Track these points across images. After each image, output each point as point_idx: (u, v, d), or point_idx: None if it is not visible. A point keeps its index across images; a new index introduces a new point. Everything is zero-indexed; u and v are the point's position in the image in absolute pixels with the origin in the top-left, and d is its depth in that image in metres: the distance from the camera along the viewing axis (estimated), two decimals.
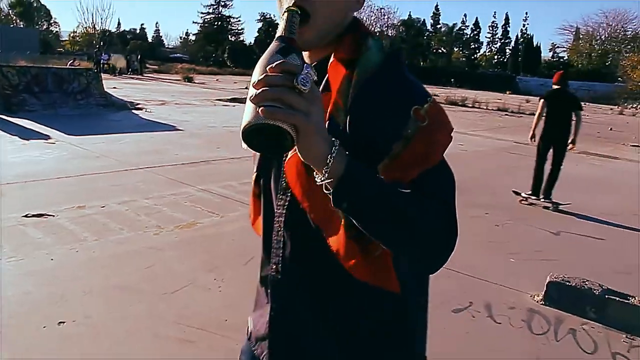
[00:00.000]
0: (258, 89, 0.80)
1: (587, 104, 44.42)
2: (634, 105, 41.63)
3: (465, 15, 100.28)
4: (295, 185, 1.07)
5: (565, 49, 75.36)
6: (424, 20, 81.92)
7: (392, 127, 1.01)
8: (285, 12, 0.97)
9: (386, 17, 75.77)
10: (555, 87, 7.72)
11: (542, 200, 7.63)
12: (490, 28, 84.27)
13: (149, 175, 7.59)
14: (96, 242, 4.86)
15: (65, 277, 4.07)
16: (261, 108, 0.78)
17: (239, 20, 79.32)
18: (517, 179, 8.69)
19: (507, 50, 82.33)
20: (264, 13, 71.88)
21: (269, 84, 0.80)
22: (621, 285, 4.38)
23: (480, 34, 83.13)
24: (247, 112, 0.80)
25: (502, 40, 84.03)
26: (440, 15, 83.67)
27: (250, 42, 73.56)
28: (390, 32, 76.02)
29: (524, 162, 11.00)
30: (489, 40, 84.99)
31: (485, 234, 6.06)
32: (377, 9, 74.29)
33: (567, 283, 4.17)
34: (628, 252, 5.88)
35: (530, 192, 7.73)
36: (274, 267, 1.19)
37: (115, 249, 4.72)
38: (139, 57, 41.80)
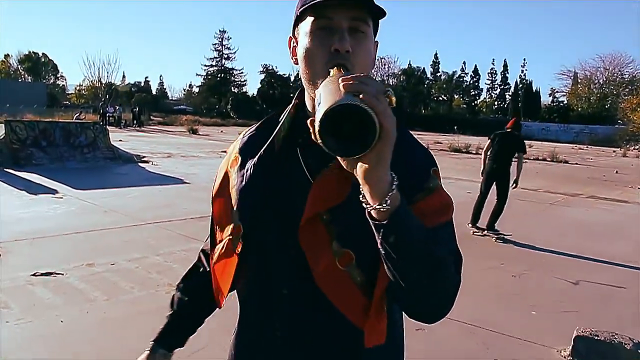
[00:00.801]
0: (352, 81, 0.81)
1: (589, 147, 44.93)
2: (637, 147, 41.67)
3: (464, 62, 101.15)
4: (309, 250, 1.08)
5: (564, 93, 76.06)
6: (424, 68, 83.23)
7: (416, 180, 1.08)
8: (333, 67, 1.03)
9: (387, 66, 77.32)
10: (507, 130, 8.52)
11: (486, 232, 8.19)
12: (490, 75, 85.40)
13: (158, 231, 7.51)
14: (107, 302, 4.74)
15: (76, 341, 3.94)
16: (355, 95, 0.78)
17: (242, 72, 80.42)
18: (526, 226, 8.56)
19: (507, 96, 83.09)
20: (266, 65, 73.15)
21: (364, 81, 0.81)
22: None
23: (480, 81, 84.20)
24: (331, 97, 0.79)
25: (502, 87, 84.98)
26: (439, 64, 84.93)
27: (253, 94, 74.56)
28: (391, 81, 76.97)
29: (533, 208, 10.93)
30: (488, 86, 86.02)
31: (503, 286, 5.92)
32: (378, 59, 74.99)
33: (596, 337, 4.01)
34: None
35: (485, 227, 8.31)
36: (273, 330, 1.18)
37: (127, 310, 4.60)
38: (137, 109, 42.32)
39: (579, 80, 75.38)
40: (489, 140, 8.51)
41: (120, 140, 20.91)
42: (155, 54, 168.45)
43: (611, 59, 73.01)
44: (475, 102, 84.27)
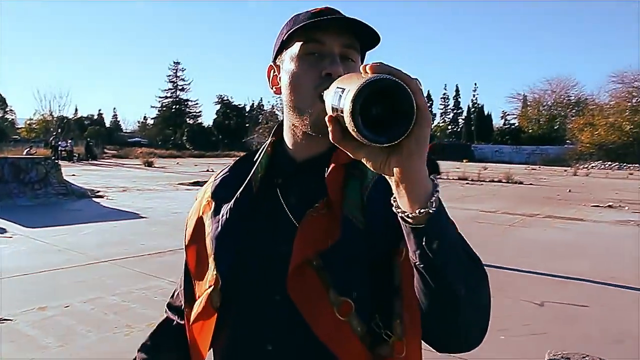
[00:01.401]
0: (378, 64, 0.71)
1: (541, 167, 46.05)
2: (586, 166, 42.97)
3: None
4: (303, 301, 0.98)
5: (515, 115, 78.12)
6: None
7: None
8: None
9: None
10: None
11: None
12: (442, 99, 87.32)
13: (114, 269, 7.21)
14: (61, 348, 4.47)
15: None
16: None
17: (197, 103, 79.39)
18: (487, 248, 8.60)
19: (460, 120, 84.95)
20: (221, 95, 73.01)
21: (390, 65, 0.72)
22: (619, 354, 4.22)
23: (433, 106, 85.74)
24: (358, 81, 0.70)
25: (455, 111, 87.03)
26: None
27: (209, 124, 74.23)
28: None
29: (493, 230, 11.03)
30: (442, 111, 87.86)
31: None
32: None
33: None
34: (614, 318, 5.76)
35: None
36: None
37: (83, 356, 4.34)
38: (91, 142, 41.60)
39: (529, 103, 77.67)
40: None
41: (74, 175, 20.38)
42: (108, 86, 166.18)
43: (557, 82, 75.64)
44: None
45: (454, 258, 0.83)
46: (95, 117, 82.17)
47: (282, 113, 1.20)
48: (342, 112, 0.71)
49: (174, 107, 76.91)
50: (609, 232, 11.82)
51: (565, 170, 38.21)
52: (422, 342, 0.97)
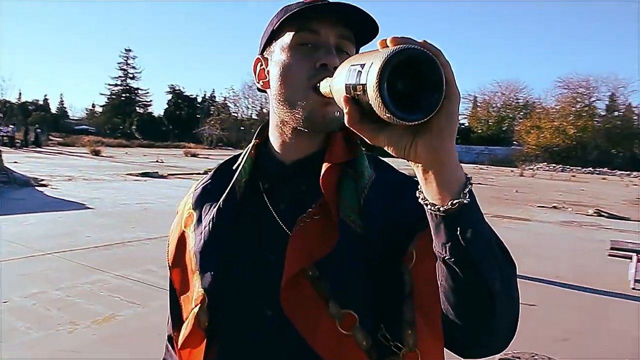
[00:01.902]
0: (399, 37, 0.65)
1: (489, 167, 47.06)
2: (532, 167, 44.16)
3: None
4: (299, 315, 0.92)
5: (465, 116, 79.39)
6: None
7: (424, 214, 0.86)
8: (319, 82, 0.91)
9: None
10: None
11: None
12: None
13: (59, 262, 6.92)
14: None
15: None
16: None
17: (148, 92, 78.08)
18: None
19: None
20: (173, 85, 71.93)
21: (412, 39, 0.66)
22: (565, 353, 4.31)
23: None
24: (382, 53, 0.63)
25: None
26: None
27: (160, 114, 72.92)
28: None
29: None
30: None
31: None
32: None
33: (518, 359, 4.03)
34: (559, 317, 5.90)
35: None
36: None
37: (22, 355, 4.13)
38: (37, 129, 40.20)
39: (479, 104, 79.20)
40: None
41: (16, 162, 19.57)
42: (55, 71, 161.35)
43: (507, 85, 77.34)
44: None
45: (488, 249, 0.77)
46: (41, 102, 79.54)
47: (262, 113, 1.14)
48: (362, 89, 0.65)
49: (123, 95, 75.35)
50: (554, 232, 12.15)
51: (512, 171, 39.22)
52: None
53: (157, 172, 20.07)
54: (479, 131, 70.92)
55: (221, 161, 1.19)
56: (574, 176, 37.55)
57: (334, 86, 0.76)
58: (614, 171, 42.40)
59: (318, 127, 0.99)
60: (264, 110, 71.70)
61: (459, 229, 0.72)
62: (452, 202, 0.70)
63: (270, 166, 1.07)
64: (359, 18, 0.96)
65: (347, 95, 0.69)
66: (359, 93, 0.66)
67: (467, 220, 0.73)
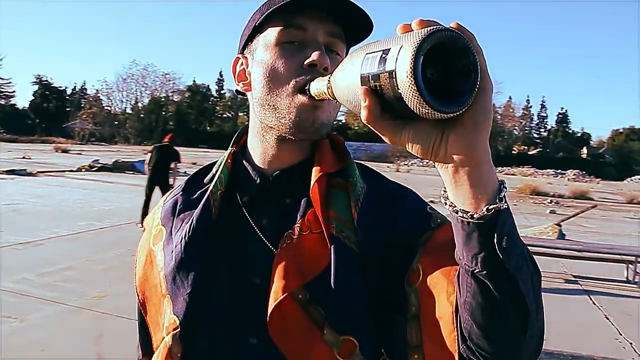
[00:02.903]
0: (427, 19, 0.59)
1: (366, 163, 48.19)
2: (407, 163, 46.15)
3: None
4: (290, 344, 0.84)
5: (342, 112, 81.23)
6: (209, 86, 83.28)
7: (421, 226, 0.89)
8: (307, 84, 0.85)
9: (172, 82, 75.53)
10: (165, 142, 10.20)
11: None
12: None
13: None
14: None
15: None
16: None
17: (10, 82, 72.31)
18: None
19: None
20: (39, 75, 67.27)
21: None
22: None
23: None
24: (412, 37, 0.56)
25: None
26: (224, 81, 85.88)
27: (25, 107, 67.98)
28: (176, 97, 75.71)
29: None
30: None
31: None
32: (163, 74, 73.63)
33: None
34: None
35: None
36: None
37: None
38: None
39: None
40: (150, 152, 10.05)
41: None
42: None
43: None
44: None
45: (523, 258, 0.68)
46: None
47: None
48: (388, 78, 0.57)
49: None
50: None
51: (389, 167, 40.59)
52: None
53: (25, 170, 18.49)
54: (356, 127, 72.94)
55: (196, 169, 1.08)
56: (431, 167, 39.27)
57: (340, 82, 0.69)
58: None
59: (307, 134, 0.90)
60: (139, 105, 69.29)
61: (495, 238, 0.64)
62: (487, 208, 0.63)
63: (249, 177, 0.98)
64: (351, 14, 0.89)
65: (366, 87, 0.61)
66: (382, 83, 0.59)
67: (503, 228, 0.64)
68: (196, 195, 0.99)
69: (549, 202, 16.22)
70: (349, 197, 0.91)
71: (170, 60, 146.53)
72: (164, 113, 71.04)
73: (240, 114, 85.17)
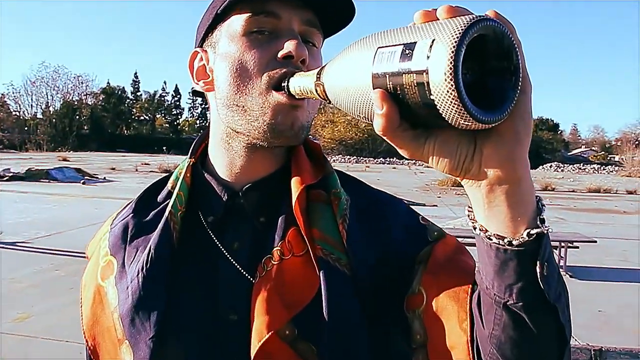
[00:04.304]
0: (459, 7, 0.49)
1: None
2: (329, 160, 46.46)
3: (165, 82, 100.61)
4: None
5: None
6: (124, 87, 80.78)
7: (417, 241, 0.80)
8: (284, 79, 0.74)
9: (84, 85, 72.45)
10: None
11: None
12: (190, 94, 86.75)
13: None
14: None
15: None
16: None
17: None
18: None
19: (209, 115, 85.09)
20: None
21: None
22: None
23: (181, 100, 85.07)
24: (449, 25, 0.47)
25: (203, 105, 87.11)
26: (140, 83, 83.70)
27: None
28: (90, 100, 72.83)
29: None
30: (190, 105, 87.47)
31: None
32: (75, 77, 70.57)
33: None
34: None
35: None
36: None
37: None
38: None
39: None
40: None
41: None
42: None
43: None
44: (178, 121, 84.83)
45: (561, 284, 0.61)
46: None
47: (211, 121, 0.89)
48: (414, 80, 0.47)
49: None
50: None
51: None
52: None
53: None
54: None
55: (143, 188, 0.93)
56: (368, 167, 39.86)
57: (339, 81, 0.58)
58: (402, 160, 46.50)
59: (284, 139, 0.79)
60: (51, 109, 66.21)
61: (537, 263, 0.56)
62: (529, 233, 0.55)
63: (214, 193, 0.85)
64: (329, 3, 0.78)
65: (383, 90, 0.50)
66: (405, 86, 0.48)
67: (545, 254, 0.56)
68: (150, 217, 0.85)
69: None
70: (333, 212, 0.80)
71: (82, 62, 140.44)
72: (77, 117, 68.04)
73: (158, 116, 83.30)
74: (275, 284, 0.75)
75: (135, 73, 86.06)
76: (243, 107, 0.77)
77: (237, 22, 0.77)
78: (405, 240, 0.80)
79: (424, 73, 0.46)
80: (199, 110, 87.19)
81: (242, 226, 0.83)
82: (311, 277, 0.75)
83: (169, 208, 0.82)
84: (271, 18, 0.76)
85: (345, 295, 0.75)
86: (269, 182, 0.83)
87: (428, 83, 0.46)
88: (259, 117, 0.76)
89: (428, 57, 0.46)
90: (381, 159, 48.91)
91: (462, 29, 0.45)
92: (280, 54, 0.75)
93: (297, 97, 0.72)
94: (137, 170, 25.37)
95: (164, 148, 45.03)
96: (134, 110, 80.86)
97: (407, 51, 0.48)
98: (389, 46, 0.50)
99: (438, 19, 0.48)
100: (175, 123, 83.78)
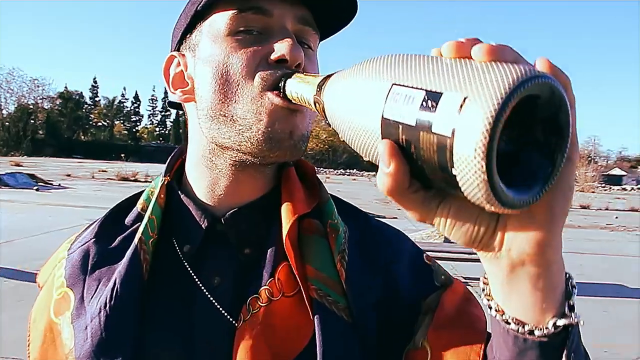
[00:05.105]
0: (504, 47, 0.38)
1: None
2: None
3: (124, 88, 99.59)
4: None
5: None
6: (82, 92, 79.31)
7: (422, 282, 0.71)
8: (280, 82, 0.64)
9: (40, 88, 70.73)
10: None
11: None
12: (151, 101, 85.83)
13: None
14: None
15: None
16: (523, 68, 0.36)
17: None
18: None
19: (169, 123, 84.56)
20: None
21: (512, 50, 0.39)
22: None
23: (141, 107, 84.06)
24: (491, 76, 0.36)
25: (163, 113, 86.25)
26: (98, 88, 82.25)
27: None
28: (46, 104, 71.16)
29: None
30: (150, 112, 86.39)
31: None
32: (30, 80, 68.88)
33: None
34: None
35: None
36: None
37: None
38: None
39: None
40: None
41: None
42: None
43: None
44: (137, 128, 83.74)
45: None
46: None
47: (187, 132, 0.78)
48: (433, 142, 0.37)
49: None
50: None
51: None
52: None
53: None
54: None
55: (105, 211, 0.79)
56: (328, 178, 39.87)
57: (341, 111, 0.48)
58: (362, 172, 46.85)
59: (281, 152, 0.67)
60: (4, 112, 64.34)
61: (564, 355, 0.47)
62: (555, 324, 0.46)
63: (191, 218, 0.73)
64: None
65: (392, 142, 0.41)
66: (421, 145, 0.38)
67: (571, 346, 0.47)
68: (116, 243, 0.73)
69: None
70: (329, 246, 0.70)
71: (38, 65, 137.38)
72: (32, 121, 66.37)
73: (117, 123, 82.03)
74: (263, 329, 0.65)
75: (94, 78, 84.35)
76: (232, 117, 0.67)
77: (220, 20, 0.67)
78: (410, 282, 0.71)
79: (448, 138, 0.36)
80: (158, 118, 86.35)
81: (224, 258, 0.71)
82: (304, 323, 0.65)
83: (138, 234, 0.70)
84: (260, 15, 0.66)
85: (344, 344, 0.65)
86: (256, 208, 0.73)
87: (451, 152, 0.36)
88: (252, 126, 0.65)
89: (456, 119, 0.36)
90: (341, 170, 49.23)
91: (506, 90, 0.34)
92: (272, 57, 0.65)
93: (293, 102, 0.62)
94: (93, 177, 24.71)
95: (122, 155, 44.18)
96: (92, 115, 79.58)
97: (429, 102, 0.38)
98: (407, 87, 0.40)
99: (473, 60, 0.38)
100: (134, 130, 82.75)
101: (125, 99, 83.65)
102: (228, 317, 0.67)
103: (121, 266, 0.68)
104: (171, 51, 0.76)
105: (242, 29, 0.66)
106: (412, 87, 0.39)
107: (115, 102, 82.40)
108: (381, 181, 0.41)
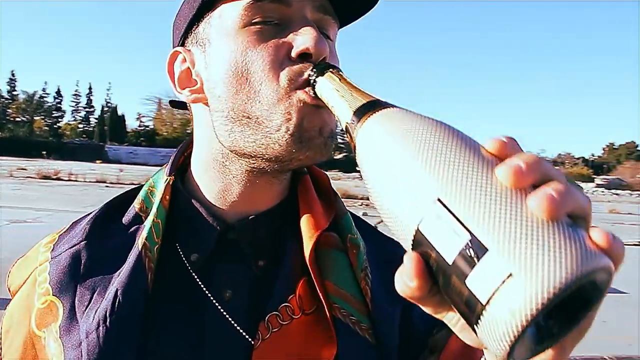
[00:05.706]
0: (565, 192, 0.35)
1: None
2: None
3: (46, 82, 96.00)
4: None
5: (150, 118, 78.60)
6: None
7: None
8: (314, 75, 0.57)
9: None
10: None
11: None
12: (74, 97, 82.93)
13: None
14: None
15: None
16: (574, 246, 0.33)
17: None
18: None
19: (93, 119, 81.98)
20: None
21: (576, 192, 0.36)
22: None
23: (63, 103, 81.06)
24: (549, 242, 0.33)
25: (87, 109, 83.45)
26: (17, 82, 78.62)
27: None
28: None
29: None
30: (73, 108, 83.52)
31: None
32: None
33: None
34: None
35: None
36: None
37: None
38: None
39: (164, 106, 79.35)
40: None
41: None
42: None
43: None
44: (59, 124, 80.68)
45: None
46: None
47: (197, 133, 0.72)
48: (469, 297, 0.35)
49: None
50: None
51: None
52: None
53: None
54: (165, 133, 71.21)
55: (96, 209, 0.71)
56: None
57: (374, 169, 0.43)
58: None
59: (311, 150, 0.62)
60: None
61: None
62: None
63: (201, 224, 0.68)
64: None
65: (421, 262, 0.38)
66: (452, 284, 0.36)
67: None
68: (111, 247, 0.66)
69: (359, 205, 17.03)
70: (349, 262, 0.66)
71: None
72: None
73: (37, 118, 78.66)
74: (285, 350, 0.61)
75: (12, 71, 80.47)
76: (257, 118, 0.61)
77: (232, 10, 0.62)
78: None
79: (479, 303, 0.34)
80: (82, 114, 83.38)
81: (236, 270, 0.66)
82: (327, 344, 0.61)
83: (141, 239, 0.63)
84: (278, 4, 0.61)
85: None
86: (272, 217, 0.68)
87: (479, 316, 0.34)
88: (281, 126, 0.60)
89: (493, 291, 0.33)
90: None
91: (560, 286, 0.31)
92: (295, 51, 0.60)
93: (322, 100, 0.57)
94: (12, 175, 23.57)
95: (44, 152, 42.41)
96: (10, 110, 75.93)
97: (471, 251, 0.34)
98: (452, 213, 0.36)
99: (525, 202, 0.34)
100: (55, 126, 79.54)
101: (47, 93, 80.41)
102: (244, 334, 0.62)
103: (122, 275, 0.61)
104: (174, 46, 0.70)
105: (258, 20, 0.61)
106: (456, 219, 0.36)
107: (36, 97, 79.04)
108: (400, 287, 0.39)
